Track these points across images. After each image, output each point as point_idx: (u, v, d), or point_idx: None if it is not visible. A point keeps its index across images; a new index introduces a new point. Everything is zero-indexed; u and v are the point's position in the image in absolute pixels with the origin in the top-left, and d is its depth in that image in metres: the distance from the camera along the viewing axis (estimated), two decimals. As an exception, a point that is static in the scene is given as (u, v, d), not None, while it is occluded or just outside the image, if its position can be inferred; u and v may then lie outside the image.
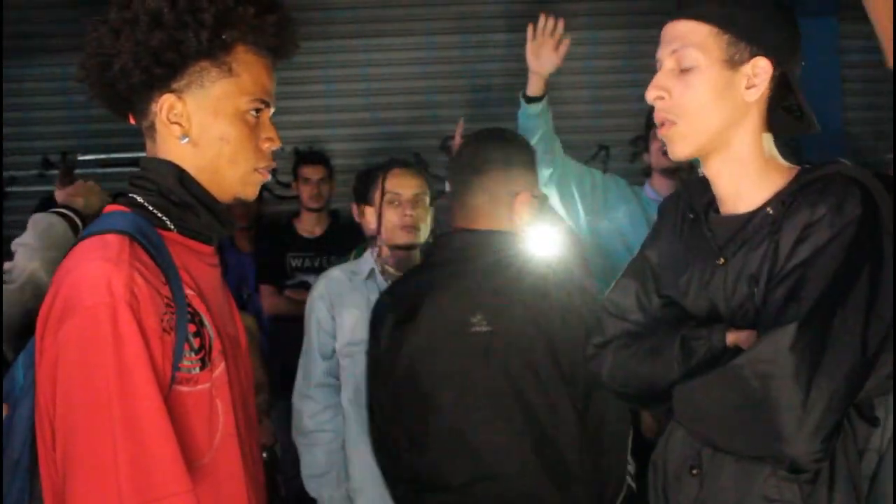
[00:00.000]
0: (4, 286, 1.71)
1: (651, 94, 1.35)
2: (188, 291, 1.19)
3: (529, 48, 2.53)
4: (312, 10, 4.51)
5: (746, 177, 1.34)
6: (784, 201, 1.30)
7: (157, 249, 1.16)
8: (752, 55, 1.29)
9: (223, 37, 1.21)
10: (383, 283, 2.40)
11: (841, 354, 1.17)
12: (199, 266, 1.26)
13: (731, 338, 1.30)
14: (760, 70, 1.29)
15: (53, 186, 4.50)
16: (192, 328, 1.17)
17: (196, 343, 1.17)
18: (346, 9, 4.61)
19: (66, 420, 1.06)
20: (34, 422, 1.13)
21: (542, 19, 2.50)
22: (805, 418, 1.16)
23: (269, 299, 3.81)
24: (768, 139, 1.37)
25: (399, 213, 2.37)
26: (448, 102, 4.63)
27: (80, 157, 4.60)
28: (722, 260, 1.34)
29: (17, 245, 1.80)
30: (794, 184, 1.31)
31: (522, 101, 2.64)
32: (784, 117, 1.38)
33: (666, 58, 1.35)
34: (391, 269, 2.44)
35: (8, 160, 4.51)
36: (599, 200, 2.60)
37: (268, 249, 3.91)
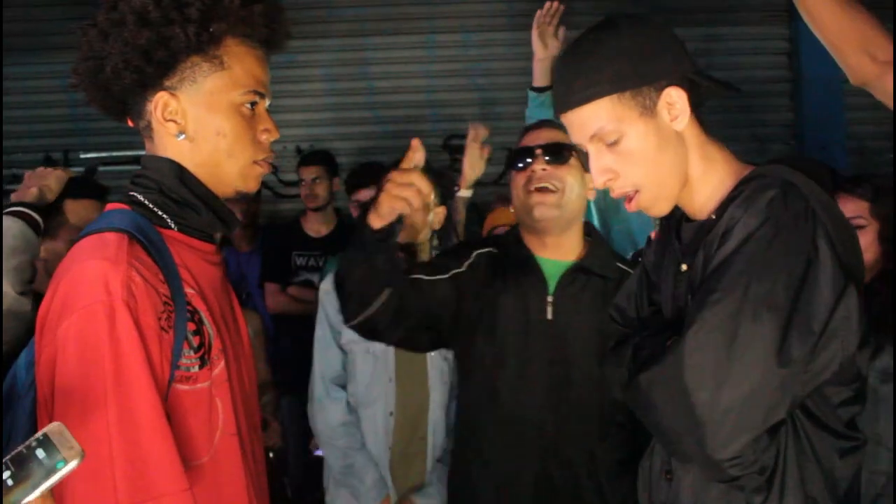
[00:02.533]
0: None
1: (600, 181, 1.30)
2: (188, 290, 1.19)
3: (535, 35, 2.57)
4: (314, 9, 4.52)
5: (699, 190, 1.32)
6: (723, 206, 1.27)
7: (156, 248, 1.16)
8: (659, 90, 1.26)
9: (211, 30, 1.20)
10: None
11: (749, 366, 1.14)
12: (200, 264, 1.26)
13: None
14: (675, 98, 1.26)
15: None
16: (191, 327, 1.16)
17: (195, 341, 1.17)
18: (348, 7, 4.61)
19: (63, 418, 1.05)
20: (35, 418, 1.13)
21: (546, 5, 2.58)
22: (713, 429, 1.15)
23: (272, 297, 3.82)
24: (710, 146, 1.33)
25: None
26: (450, 101, 4.63)
27: (82, 156, 4.61)
28: (684, 267, 1.33)
29: None
30: (735, 188, 1.28)
31: (532, 93, 2.66)
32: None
33: (587, 143, 1.30)
34: None
35: (9, 158, 4.52)
36: (610, 201, 2.61)
37: (274, 248, 3.92)
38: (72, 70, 1.26)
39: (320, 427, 2.44)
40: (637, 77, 1.25)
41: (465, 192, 3.03)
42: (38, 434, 0.89)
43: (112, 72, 1.20)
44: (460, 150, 4.60)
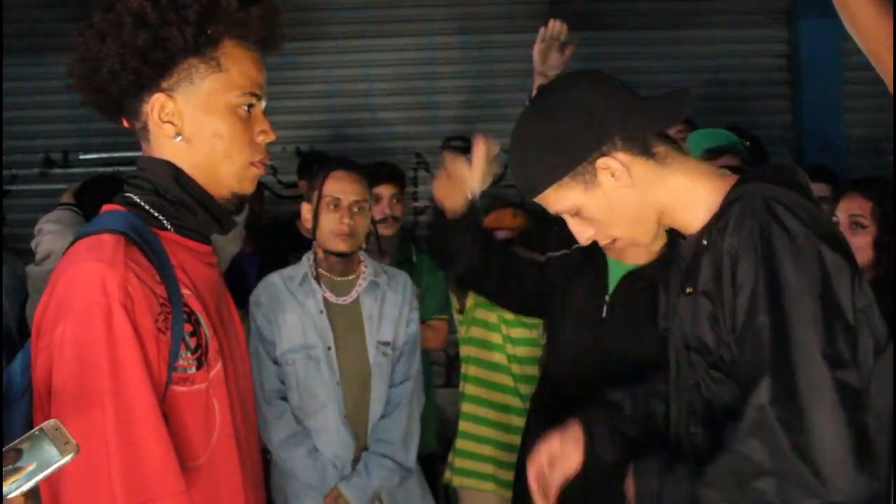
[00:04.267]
0: (38, 268, 1.73)
1: (583, 239, 1.41)
2: (184, 291, 1.19)
3: (537, 50, 2.56)
4: (315, 10, 4.52)
5: (678, 215, 1.36)
6: (711, 231, 1.30)
7: (152, 249, 1.16)
8: (593, 163, 1.31)
9: (208, 32, 1.21)
10: (317, 289, 2.34)
11: (818, 388, 1.14)
12: (197, 265, 1.26)
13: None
14: (611, 165, 1.31)
15: (55, 185, 4.51)
16: (188, 328, 1.16)
17: (192, 343, 1.17)
18: (347, 9, 4.61)
19: (60, 420, 1.05)
20: (31, 422, 1.12)
21: (551, 23, 2.55)
22: (820, 463, 1.11)
23: (270, 299, 3.81)
24: (671, 175, 1.34)
25: (336, 219, 2.28)
26: (450, 103, 4.63)
27: (82, 156, 4.61)
28: (689, 290, 1.35)
29: (43, 232, 1.82)
30: (721, 208, 1.30)
31: (528, 103, 2.65)
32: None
33: (560, 214, 1.41)
34: (326, 274, 2.37)
35: (9, 158, 4.51)
36: None
37: (270, 250, 3.91)
38: (67, 71, 1.26)
39: (270, 442, 2.35)
40: (566, 165, 1.32)
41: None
42: (35, 429, 0.89)
43: (109, 73, 1.20)
44: (460, 151, 4.63)
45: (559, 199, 1.35)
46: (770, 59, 4.67)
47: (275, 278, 2.41)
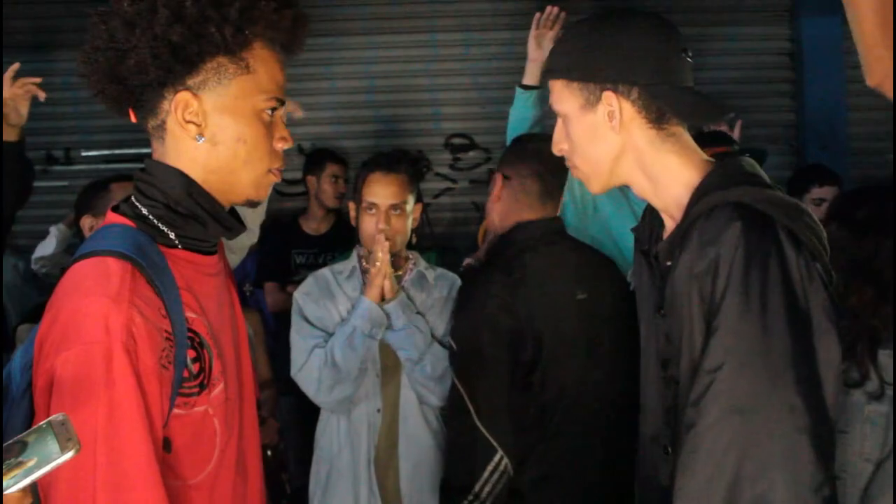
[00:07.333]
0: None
1: (555, 149, 1.45)
2: (189, 315, 1.15)
3: (532, 36, 2.58)
4: (316, 7, 4.51)
5: (662, 188, 1.36)
6: (674, 251, 1.30)
7: (158, 274, 1.12)
8: (601, 90, 1.33)
9: (245, 32, 1.16)
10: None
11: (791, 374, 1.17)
12: (203, 280, 1.22)
13: None
14: (613, 104, 1.33)
15: (56, 182, 4.51)
16: (191, 354, 1.14)
17: (195, 368, 1.14)
18: (350, 6, 4.60)
19: None
20: (32, 424, 1.09)
21: (547, 9, 2.57)
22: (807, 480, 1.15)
23: (272, 296, 3.82)
24: (662, 155, 1.35)
25: (373, 222, 2.30)
26: (451, 100, 4.63)
27: (84, 153, 4.61)
28: (662, 311, 1.36)
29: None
30: (686, 216, 1.30)
31: (519, 90, 2.68)
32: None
33: (553, 111, 1.44)
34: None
35: (11, 155, 4.51)
36: (588, 202, 2.62)
37: (273, 247, 3.91)
38: (83, 59, 1.19)
39: (304, 384, 2.35)
40: (584, 71, 1.35)
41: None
42: (43, 422, 0.89)
43: (136, 65, 1.14)
44: (462, 148, 4.64)
45: (560, 97, 1.39)
46: (772, 57, 4.67)
47: (324, 271, 2.45)
